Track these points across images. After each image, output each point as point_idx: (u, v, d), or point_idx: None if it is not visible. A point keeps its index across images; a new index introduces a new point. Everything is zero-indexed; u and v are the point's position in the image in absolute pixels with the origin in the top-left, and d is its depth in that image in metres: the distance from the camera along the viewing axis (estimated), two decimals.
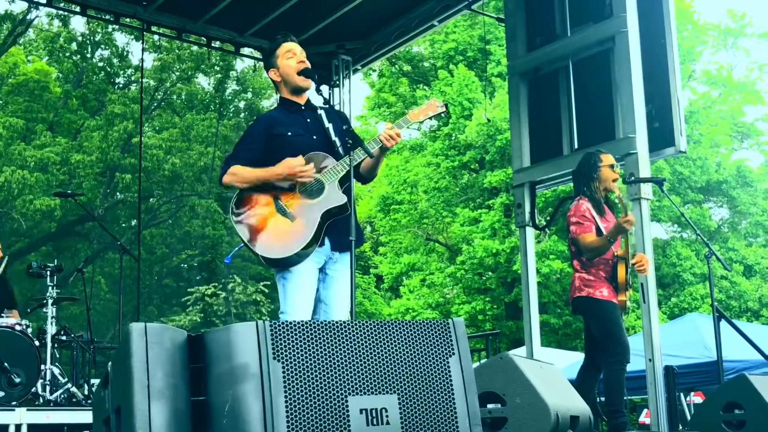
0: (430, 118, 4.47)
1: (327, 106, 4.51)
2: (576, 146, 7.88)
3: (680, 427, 7.47)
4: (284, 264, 4.12)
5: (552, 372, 4.95)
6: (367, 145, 4.16)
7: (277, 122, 4.34)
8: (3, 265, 7.74)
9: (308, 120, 4.39)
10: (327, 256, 4.23)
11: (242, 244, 4.15)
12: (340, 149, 4.31)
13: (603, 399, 5.80)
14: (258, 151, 4.27)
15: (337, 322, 2.62)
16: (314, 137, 4.32)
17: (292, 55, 4.38)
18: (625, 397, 5.73)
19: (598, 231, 5.74)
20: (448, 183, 25.32)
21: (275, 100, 4.65)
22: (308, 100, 4.48)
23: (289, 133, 4.28)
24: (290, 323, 2.55)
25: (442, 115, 4.78)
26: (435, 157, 25.30)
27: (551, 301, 23.39)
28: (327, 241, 4.19)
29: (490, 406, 4.29)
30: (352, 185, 4.14)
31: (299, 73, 4.37)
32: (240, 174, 4.19)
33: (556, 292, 23.08)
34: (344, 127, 4.34)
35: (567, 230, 5.94)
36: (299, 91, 4.41)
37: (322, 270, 4.25)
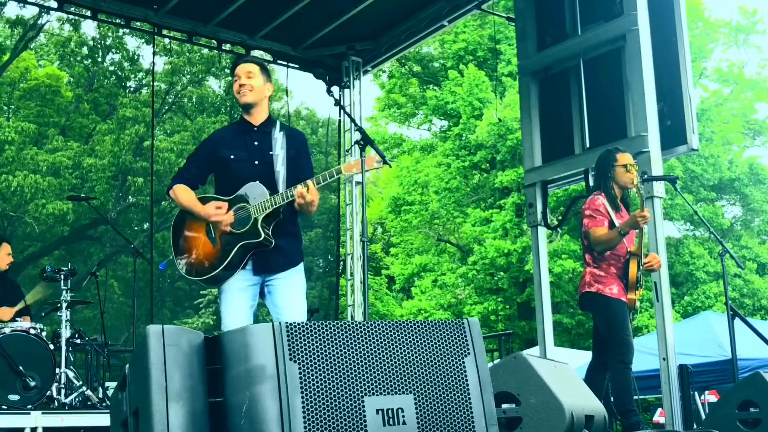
0: (367, 171, 4.51)
1: (287, 128, 4.63)
2: (588, 145, 7.88)
3: (695, 426, 7.45)
4: (207, 282, 4.50)
5: (566, 371, 4.94)
6: (284, 193, 4.32)
7: (223, 143, 4.57)
8: None
9: (255, 143, 4.52)
10: (259, 277, 4.47)
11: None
12: (280, 182, 4.43)
13: (613, 399, 5.77)
14: (199, 170, 4.63)
15: (353, 323, 2.62)
16: (255, 162, 4.48)
17: (236, 79, 4.55)
18: (635, 396, 5.70)
19: (612, 226, 5.73)
20: (459, 183, 25.28)
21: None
22: (267, 120, 4.58)
23: (232, 156, 4.49)
24: (306, 324, 2.56)
25: (379, 170, 4.86)
26: (446, 157, 25.26)
27: (564, 300, 23.32)
28: (250, 265, 4.44)
29: (504, 406, 4.29)
30: (364, 182, 4.16)
31: (239, 94, 4.53)
32: (179, 196, 4.55)
33: (569, 291, 23.02)
34: (352, 127, 4.36)
35: (580, 224, 5.93)
36: (246, 109, 4.56)
37: (265, 286, 4.51)
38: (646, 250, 5.90)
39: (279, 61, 10.81)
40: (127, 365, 2.77)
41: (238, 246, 4.35)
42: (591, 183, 7.62)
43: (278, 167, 4.45)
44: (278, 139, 4.51)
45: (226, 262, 4.34)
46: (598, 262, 5.82)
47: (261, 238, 4.32)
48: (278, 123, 4.58)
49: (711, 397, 11.99)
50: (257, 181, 4.41)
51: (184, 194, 4.53)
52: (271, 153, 4.48)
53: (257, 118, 4.55)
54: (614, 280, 5.76)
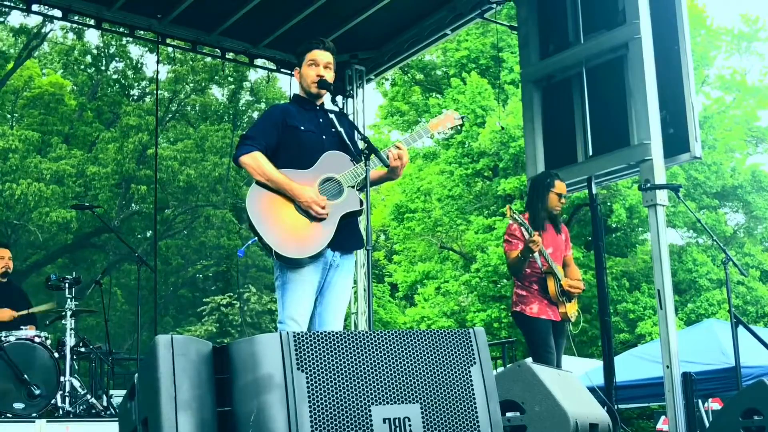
0: (449, 130, 4.55)
1: (338, 111, 4.58)
2: (590, 153, 7.88)
3: None
4: (295, 264, 4.13)
5: (570, 379, 4.95)
6: (375, 159, 4.22)
7: (291, 114, 4.43)
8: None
9: (320, 120, 4.48)
10: (329, 260, 4.26)
11: (255, 238, 4.15)
12: (354, 152, 4.40)
13: None
14: (275, 138, 4.33)
15: (360, 333, 2.64)
16: (324, 137, 4.41)
17: (314, 65, 4.47)
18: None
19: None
20: (462, 191, 25.29)
21: None
22: (322, 104, 4.58)
23: (302, 128, 4.37)
24: (313, 334, 2.57)
25: (459, 128, 4.86)
26: (448, 164, 25.28)
27: None
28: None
29: (509, 414, 4.30)
30: (368, 192, 4.17)
31: (317, 84, 4.45)
32: (262, 166, 4.20)
33: None
34: (356, 135, 4.43)
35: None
36: (313, 97, 4.52)
37: (321, 275, 4.28)
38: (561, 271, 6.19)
39: (282, 70, 10.84)
40: (136, 374, 2.78)
41: (339, 217, 4.18)
42: (593, 191, 7.72)
43: (347, 140, 4.44)
44: (334, 119, 4.51)
45: (331, 238, 4.15)
46: (522, 281, 6.16)
47: (362, 207, 4.20)
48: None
49: (714, 405, 11.97)
50: (335, 150, 4.32)
51: (268, 166, 4.19)
52: (333, 130, 4.46)
53: (318, 101, 4.54)
54: (536, 298, 6.10)
